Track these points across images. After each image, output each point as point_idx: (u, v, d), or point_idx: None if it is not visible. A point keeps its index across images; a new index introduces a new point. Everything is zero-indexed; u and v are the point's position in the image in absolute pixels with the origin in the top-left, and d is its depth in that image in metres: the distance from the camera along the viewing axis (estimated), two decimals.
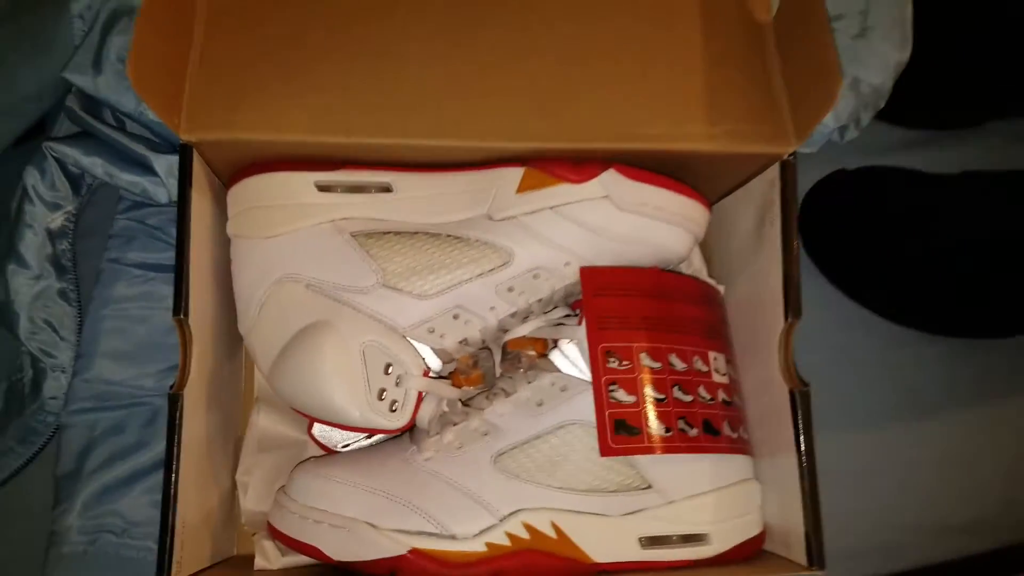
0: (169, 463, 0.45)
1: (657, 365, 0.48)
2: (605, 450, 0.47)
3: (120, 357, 0.58)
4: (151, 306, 0.59)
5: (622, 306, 0.49)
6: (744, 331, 0.54)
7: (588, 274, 0.49)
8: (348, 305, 0.48)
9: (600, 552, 0.47)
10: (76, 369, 0.58)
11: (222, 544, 0.53)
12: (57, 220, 0.60)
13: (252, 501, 0.54)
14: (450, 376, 0.54)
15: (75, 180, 0.60)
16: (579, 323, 0.49)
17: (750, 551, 0.51)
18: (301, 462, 0.52)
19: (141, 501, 0.56)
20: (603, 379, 0.47)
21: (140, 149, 0.58)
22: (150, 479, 0.57)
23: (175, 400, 0.46)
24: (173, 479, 0.45)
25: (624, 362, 0.48)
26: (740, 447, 0.51)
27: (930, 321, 0.67)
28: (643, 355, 0.48)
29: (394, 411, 0.48)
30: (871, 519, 0.64)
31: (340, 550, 0.46)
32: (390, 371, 0.48)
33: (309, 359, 0.47)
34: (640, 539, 0.48)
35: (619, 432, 0.47)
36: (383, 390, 0.48)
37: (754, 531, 0.51)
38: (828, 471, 0.47)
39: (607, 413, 0.47)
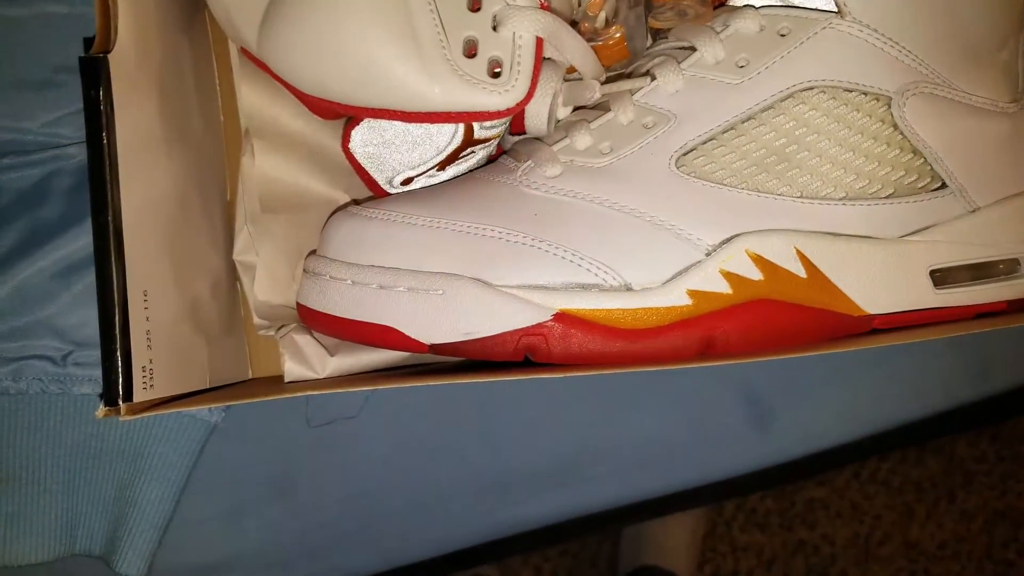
0: (102, 205, 0.25)
1: None
2: None
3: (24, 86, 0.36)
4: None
5: None
6: None
7: None
8: None
9: (872, 297, 0.28)
10: None
11: (225, 361, 0.33)
12: None
13: (262, 288, 0.34)
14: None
15: None
16: None
17: None
18: (337, 209, 0.32)
19: (86, 307, 0.36)
20: None
21: None
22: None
23: (93, 69, 0.24)
24: (111, 228, 0.25)
25: None
26: None
27: None
28: None
29: (498, 76, 0.27)
30: None
31: (430, 327, 0.27)
32: (480, 5, 0.27)
33: None
34: (932, 272, 0.29)
35: None
36: (472, 40, 0.27)
37: None
38: None
39: None
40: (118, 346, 0.24)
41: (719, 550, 0.80)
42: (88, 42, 0.36)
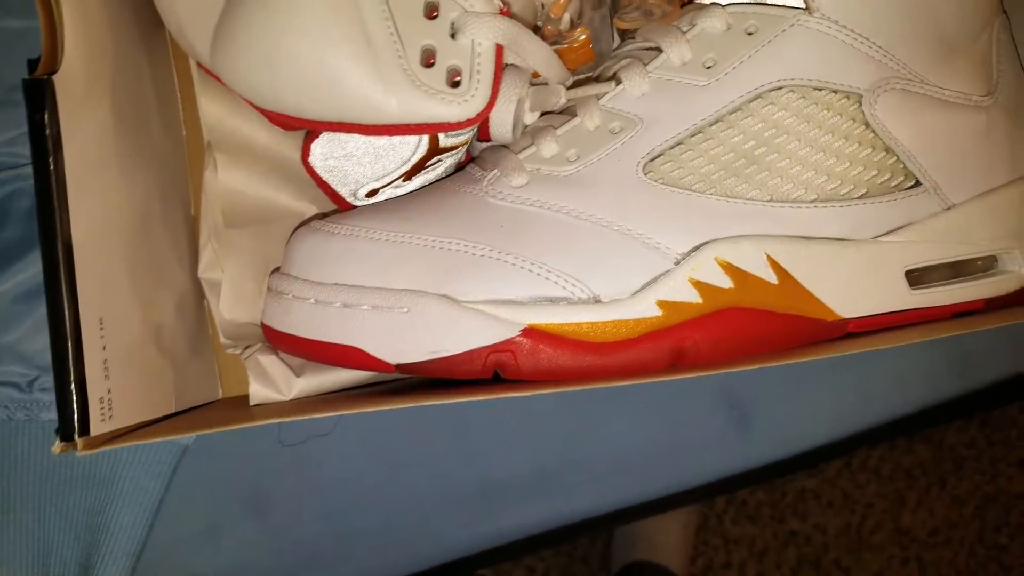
0: (50, 233, 0.24)
1: None
2: None
3: None
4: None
5: None
6: None
7: None
8: None
9: (846, 300, 0.28)
10: None
11: (193, 382, 0.32)
12: None
13: (228, 307, 0.33)
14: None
15: None
16: None
17: None
18: (301, 223, 0.31)
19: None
20: None
21: None
22: None
23: (38, 92, 0.24)
24: (60, 257, 0.24)
25: None
26: None
27: None
28: None
29: (457, 85, 0.26)
30: None
31: (396, 346, 0.26)
32: (437, 12, 0.26)
33: (282, 3, 0.25)
34: (907, 273, 0.28)
35: None
36: (430, 48, 0.26)
37: None
38: None
39: None
40: (72, 379, 0.23)
41: (711, 543, 0.80)
42: (33, 64, 0.35)
